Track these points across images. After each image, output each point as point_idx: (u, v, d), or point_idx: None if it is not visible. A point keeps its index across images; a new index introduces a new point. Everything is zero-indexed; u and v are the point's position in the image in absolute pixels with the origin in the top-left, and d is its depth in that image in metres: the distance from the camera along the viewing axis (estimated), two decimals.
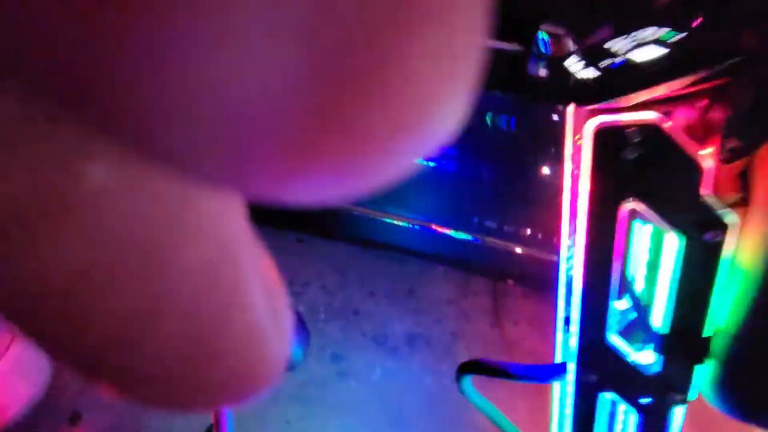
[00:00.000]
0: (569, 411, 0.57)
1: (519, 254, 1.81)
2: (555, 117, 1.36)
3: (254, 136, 0.10)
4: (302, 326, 0.47)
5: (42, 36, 0.08)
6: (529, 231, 1.75)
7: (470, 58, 0.12)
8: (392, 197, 1.69)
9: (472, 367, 0.60)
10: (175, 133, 0.10)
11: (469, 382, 0.60)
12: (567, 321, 0.53)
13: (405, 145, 0.12)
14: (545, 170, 1.50)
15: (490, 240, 1.77)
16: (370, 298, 1.92)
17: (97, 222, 0.11)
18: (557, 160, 1.50)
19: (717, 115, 0.42)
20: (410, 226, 1.76)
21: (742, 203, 0.44)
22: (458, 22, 0.11)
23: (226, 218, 0.15)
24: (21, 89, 0.10)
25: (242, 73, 0.09)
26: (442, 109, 0.12)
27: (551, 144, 1.46)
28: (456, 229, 1.75)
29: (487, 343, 1.83)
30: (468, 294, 2.02)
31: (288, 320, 0.23)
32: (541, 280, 2.12)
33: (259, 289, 0.18)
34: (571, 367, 0.54)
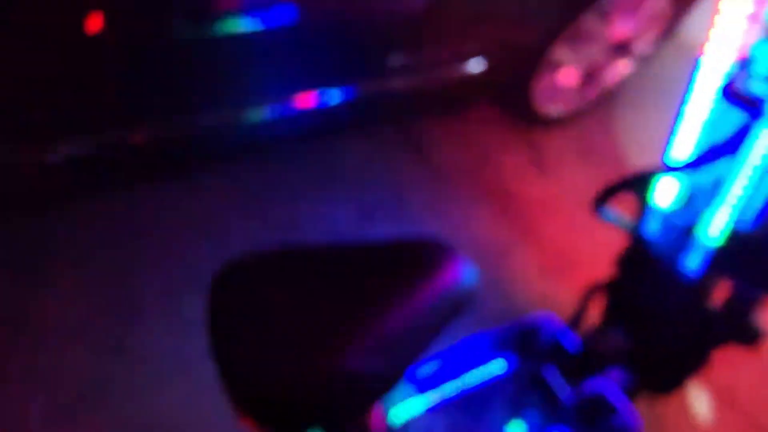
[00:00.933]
0: None
1: (417, 85, 1.79)
2: None
3: None
4: None
5: None
6: (410, 59, 1.64)
7: None
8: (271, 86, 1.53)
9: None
10: None
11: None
12: None
13: None
14: None
15: (375, 87, 1.66)
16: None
17: None
18: None
19: None
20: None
21: None
22: None
23: None
24: None
25: None
26: None
27: None
28: (356, 80, 1.61)
29: (424, 180, 1.96)
30: (385, 145, 2.08)
31: None
32: (446, 101, 2.20)
33: None
34: None
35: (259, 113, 1.61)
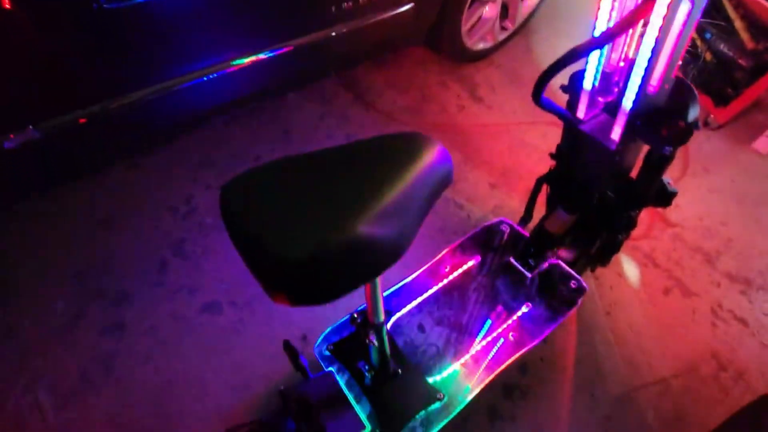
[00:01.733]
0: None
1: (344, 33, 1.83)
2: None
3: None
4: None
5: None
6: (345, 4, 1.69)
7: None
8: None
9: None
10: None
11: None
12: None
13: None
14: None
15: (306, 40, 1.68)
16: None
17: None
18: None
19: None
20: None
21: None
22: None
23: None
24: None
25: None
26: None
27: None
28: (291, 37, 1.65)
29: (373, 124, 2.07)
30: (331, 99, 2.15)
31: None
32: (381, 45, 2.28)
33: None
34: None
35: (202, 77, 1.57)
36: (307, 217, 0.60)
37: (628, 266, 1.65)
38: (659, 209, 1.80)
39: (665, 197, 1.08)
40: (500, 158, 1.96)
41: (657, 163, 0.99)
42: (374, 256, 0.62)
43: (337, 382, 0.97)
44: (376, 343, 0.87)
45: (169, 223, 1.73)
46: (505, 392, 1.35)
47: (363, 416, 0.94)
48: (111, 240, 1.68)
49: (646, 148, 1.05)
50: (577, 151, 1.07)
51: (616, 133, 0.95)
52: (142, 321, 1.49)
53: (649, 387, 1.39)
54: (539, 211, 1.39)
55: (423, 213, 0.69)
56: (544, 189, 1.30)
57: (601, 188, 1.07)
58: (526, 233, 1.35)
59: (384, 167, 0.65)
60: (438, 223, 1.73)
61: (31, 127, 1.32)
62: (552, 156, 1.14)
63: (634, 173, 1.14)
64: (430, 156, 0.67)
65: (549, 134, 2.05)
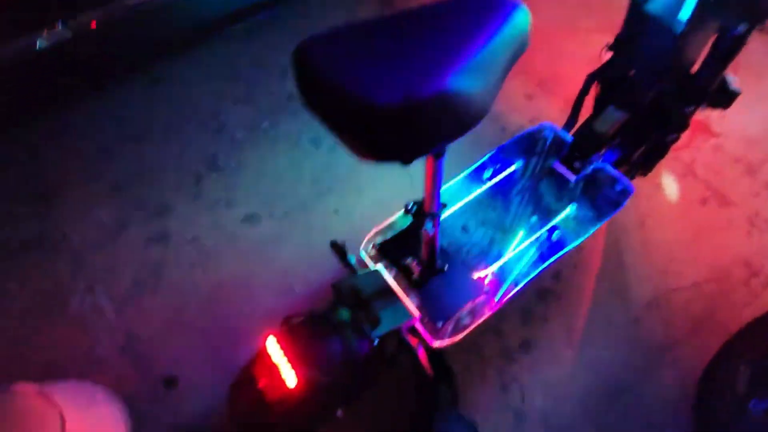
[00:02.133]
0: None
1: None
2: None
3: None
4: None
5: None
6: None
7: None
8: None
9: None
10: None
11: None
12: None
13: None
14: None
15: None
16: None
17: None
18: None
19: None
20: None
21: None
22: None
23: None
24: None
25: None
26: None
27: None
28: None
29: None
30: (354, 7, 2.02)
31: None
32: None
33: None
34: None
35: None
36: (394, 68, 0.57)
37: (666, 177, 1.63)
38: (703, 119, 1.74)
39: (726, 96, 1.03)
40: (537, 68, 1.87)
41: (726, 49, 0.93)
42: (461, 111, 0.61)
43: (384, 278, 1.01)
44: (430, 232, 0.89)
45: (200, 139, 1.72)
46: (538, 296, 1.41)
47: (413, 307, 0.98)
48: (143, 154, 1.69)
49: (711, 40, 0.98)
50: (638, 40, 1.00)
51: (684, 13, 0.88)
52: (185, 231, 1.53)
53: (679, 291, 1.43)
54: (583, 116, 1.34)
55: (504, 73, 0.68)
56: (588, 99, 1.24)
57: (659, 82, 1.02)
58: (571, 137, 1.31)
59: (469, 24, 0.63)
60: (470, 136, 1.68)
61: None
62: (609, 47, 1.07)
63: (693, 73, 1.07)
64: (513, 15, 0.66)
65: (591, 42, 1.91)
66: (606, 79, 1.14)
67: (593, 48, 1.27)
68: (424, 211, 0.84)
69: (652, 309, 1.41)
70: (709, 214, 1.57)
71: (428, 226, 0.86)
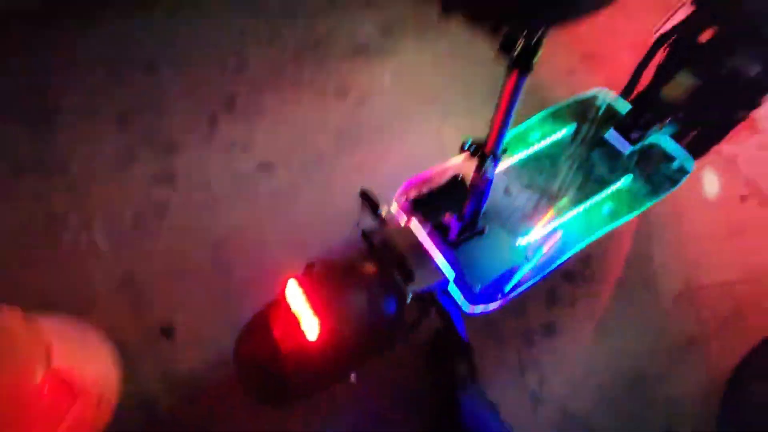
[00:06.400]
0: None
1: None
2: None
3: None
4: None
5: None
6: None
7: None
8: None
9: None
10: None
11: None
12: None
13: None
14: None
15: None
16: None
17: None
18: None
19: None
20: None
21: None
22: None
23: None
24: None
25: None
26: None
27: None
28: None
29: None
30: None
31: None
32: None
33: None
34: None
35: None
36: None
37: (707, 170, 1.55)
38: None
39: None
40: (581, 42, 1.76)
41: None
42: None
43: (417, 234, 0.92)
44: (490, 176, 0.78)
45: (218, 76, 1.59)
46: (565, 278, 1.33)
47: (448, 268, 0.90)
48: (155, 86, 1.56)
49: None
50: None
51: None
52: (193, 173, 1.42)
53: (711, 288, 1.36)
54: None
55: None
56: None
57: (744, 47, 0.91)
58: (628, 105, 1.21)
59: None
60: None
61: None
62: (692, 1, 0.97)
63: None
64: None
65: (639, 18, 1.81)
66: (678, 41, 1.03)
67: (641, 25, 1.16)
68: (484, 152, 0.74)
69: (680, 303, 1.34)
70: (748, 212, 1.49)
71: (488, 168, 0.76)
